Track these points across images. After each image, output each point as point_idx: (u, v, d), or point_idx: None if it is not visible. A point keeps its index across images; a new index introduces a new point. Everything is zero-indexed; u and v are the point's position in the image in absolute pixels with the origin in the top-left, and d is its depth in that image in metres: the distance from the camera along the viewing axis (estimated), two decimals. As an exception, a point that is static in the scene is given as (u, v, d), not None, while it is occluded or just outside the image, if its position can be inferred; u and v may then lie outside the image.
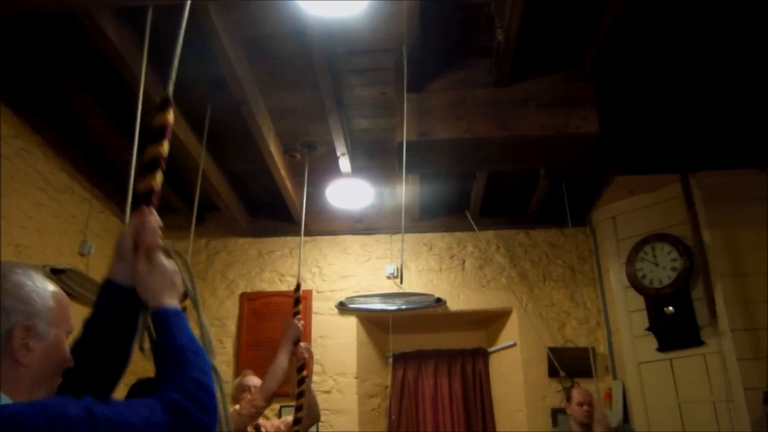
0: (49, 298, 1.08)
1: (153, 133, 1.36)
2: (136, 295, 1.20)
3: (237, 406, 3.06)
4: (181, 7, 1.62)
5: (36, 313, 1.04)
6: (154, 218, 1.27)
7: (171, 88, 1.44)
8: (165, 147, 1.35)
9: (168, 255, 1.26)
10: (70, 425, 0.88)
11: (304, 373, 3.13)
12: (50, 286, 1.11)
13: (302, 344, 3.16)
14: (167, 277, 1.20)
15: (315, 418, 3.25)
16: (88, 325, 1.22)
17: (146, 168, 1.34)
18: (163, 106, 1.39)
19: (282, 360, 3.00)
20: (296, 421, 3.06)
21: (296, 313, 3.23)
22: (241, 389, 3.32)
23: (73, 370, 1.13)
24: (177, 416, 0.99)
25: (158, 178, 1.33)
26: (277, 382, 2.93)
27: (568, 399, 3.96)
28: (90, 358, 1.18)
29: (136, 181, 1.98)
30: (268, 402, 2.91)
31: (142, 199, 1.30)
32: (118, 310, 1.22)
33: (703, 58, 3.23)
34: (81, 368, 1.14)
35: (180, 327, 1.14)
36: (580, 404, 3.81)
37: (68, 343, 1.12)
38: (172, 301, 1.18)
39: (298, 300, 3.32)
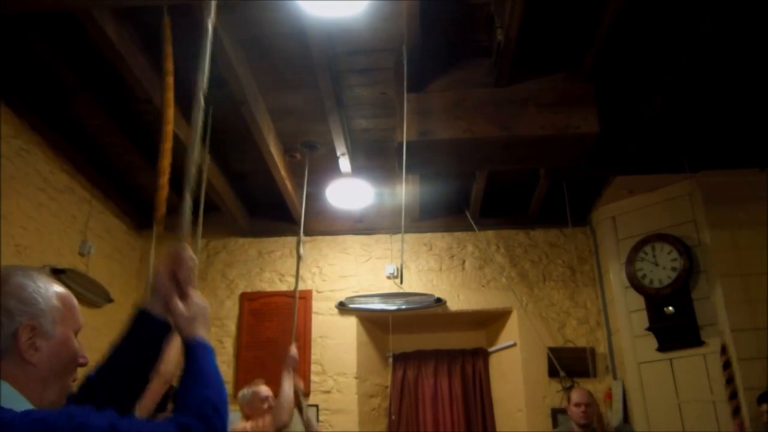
0: (53, 298, 1.11)
1: None
2: (166, 326, 1.31)
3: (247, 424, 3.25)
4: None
5: (40, 313, 1.07)
6: (189, 255, 1.33)
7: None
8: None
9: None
10: None
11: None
12: (54, 287, 1.13)
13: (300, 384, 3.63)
14: (201, 312, 1.29)
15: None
16: (117, 348, 1.30)
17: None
18: None
19: (287, 391, 3.34)
20: None
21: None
22: (259, 399, 3.33)
23: (97, 388, 1.22)
24: None
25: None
26: (288, 412, 3.30)
27: (569, 399, 3.99)
28: (114, 378, 1.26)
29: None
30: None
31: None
32: (149, 338, 1.31)
33: (703, 58, 3.23)
34: (104, 387, 1.23)
35: (207, 356, 1.23)
36: (577, 405, 3.84)
37: (78, 340, 1.16)
38: (203, 334, 1.28)
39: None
